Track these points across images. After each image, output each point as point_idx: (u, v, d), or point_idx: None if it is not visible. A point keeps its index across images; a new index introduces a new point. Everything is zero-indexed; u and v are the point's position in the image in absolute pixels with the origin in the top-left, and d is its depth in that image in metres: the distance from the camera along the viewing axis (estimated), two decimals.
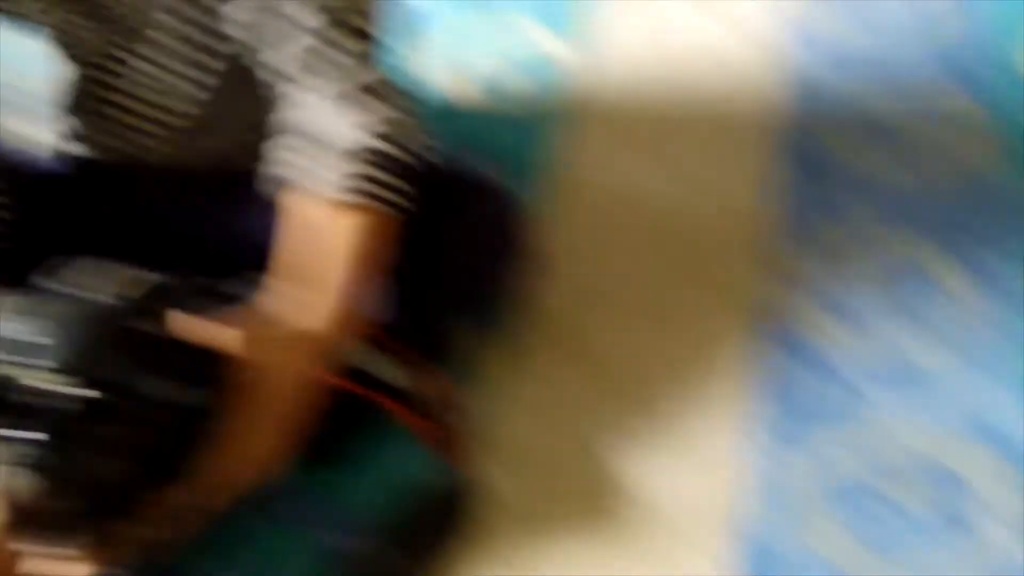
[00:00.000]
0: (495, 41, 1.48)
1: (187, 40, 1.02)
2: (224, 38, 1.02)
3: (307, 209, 0.95)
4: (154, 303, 0.87)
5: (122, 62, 1.05)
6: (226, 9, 1.00)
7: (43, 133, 1.15)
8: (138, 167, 1.12)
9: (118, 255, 0.96)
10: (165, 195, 1.14)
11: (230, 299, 1.02)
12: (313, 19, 0.96)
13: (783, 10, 1.49)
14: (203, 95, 1.06)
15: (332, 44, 0.97)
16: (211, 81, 1.05)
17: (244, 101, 1.07)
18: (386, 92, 0.98)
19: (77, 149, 1.15)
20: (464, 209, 1.07)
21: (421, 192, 0.99)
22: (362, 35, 0.97)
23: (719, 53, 1.44)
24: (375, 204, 0.94)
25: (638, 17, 1.49)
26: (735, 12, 1.48)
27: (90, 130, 1.14)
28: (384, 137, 0.96)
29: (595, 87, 1.42)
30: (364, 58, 0.97)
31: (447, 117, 1.10)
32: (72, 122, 1.15)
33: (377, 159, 0.95)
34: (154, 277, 0.89)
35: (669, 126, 1.37)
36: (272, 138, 1.03)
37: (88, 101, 1.12)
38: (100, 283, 0.87)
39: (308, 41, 0.97)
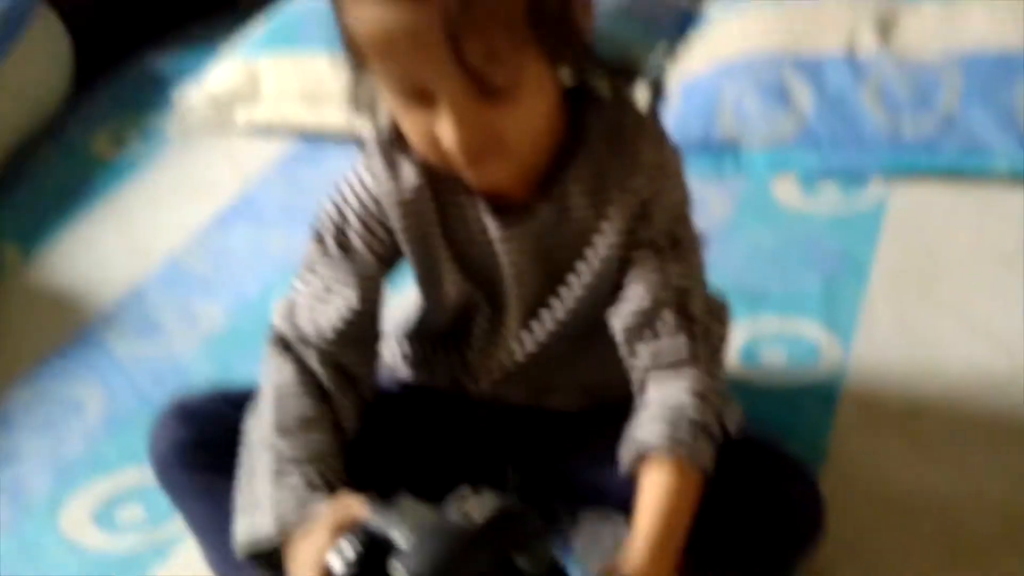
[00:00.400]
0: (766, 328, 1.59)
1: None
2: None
3: (635, 464, 1.05)
4: (503, 528, 0.93)
5: (486, 322, 1.18)
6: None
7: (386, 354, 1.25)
8: (463, 396, 1.22)
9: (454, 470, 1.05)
10: (494, 424, 1.23)
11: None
12: (647, 300, 1.08)
13: None
14: (532, 348, 1.18)
15: (662, 322, 1.08)
16: (544, 339, 1.17)
17: (558, 349, 1.18)
18: (706, 365, 1.08)
19: (410, 374, 1.27)
20: (773, 475, 1.13)
21: (734, 454, 1.07)
22: (686, 315, 1.08)
23: (970, 356, 1.50)
24: (684, 463, 1.03)
25: (905, 329, 1.57)
26: (984, 320, 1.55)
27: (427, 359, 1.25)
28: (698, 405, 1.05)
29: (856, 377, 1.49)
30: (687, 334, 1.07)
31: None
32: (413, 350, 1.26)
33: (689, 424, 1.04)
34: (509, 504, 0.95)
35: (925, 419, 1.42)
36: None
37: (431, 337, 1.24)
38: (467, 503, 0.94)
39: (642, 318, 1.08)
